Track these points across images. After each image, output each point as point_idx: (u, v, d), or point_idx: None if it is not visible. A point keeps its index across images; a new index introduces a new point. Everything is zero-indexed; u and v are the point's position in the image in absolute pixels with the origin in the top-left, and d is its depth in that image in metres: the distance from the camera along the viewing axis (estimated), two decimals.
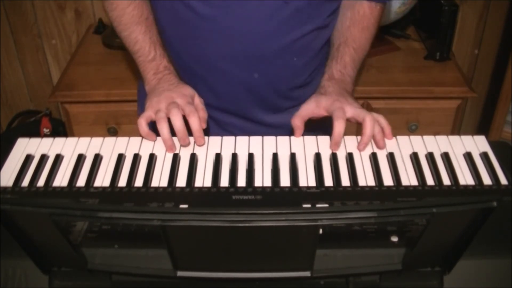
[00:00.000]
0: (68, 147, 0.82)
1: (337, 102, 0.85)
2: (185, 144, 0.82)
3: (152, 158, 0.79)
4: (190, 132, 0.82)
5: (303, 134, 0.85)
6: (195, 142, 0.82)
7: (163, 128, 0.80)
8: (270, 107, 1.02)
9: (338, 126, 0.80)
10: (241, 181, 0.75)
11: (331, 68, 0.95)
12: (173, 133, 0.82)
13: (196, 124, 0.81)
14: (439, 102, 1.52)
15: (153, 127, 0.83)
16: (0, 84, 1.99)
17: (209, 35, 0.93)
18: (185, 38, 0.96)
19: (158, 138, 0.84)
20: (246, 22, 0.90)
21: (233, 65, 0.95)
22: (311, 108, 0.87)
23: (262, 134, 0.85)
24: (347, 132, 0.82)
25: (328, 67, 0.96)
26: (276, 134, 0.85)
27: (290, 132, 0.88)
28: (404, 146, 0.82)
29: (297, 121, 0.87)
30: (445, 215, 0.57)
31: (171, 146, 0.81)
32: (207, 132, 0.85)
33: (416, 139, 0.83)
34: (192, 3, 0.90)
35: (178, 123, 0.81)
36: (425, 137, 0.83)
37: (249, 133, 0.86)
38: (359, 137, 0.82)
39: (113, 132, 1.56)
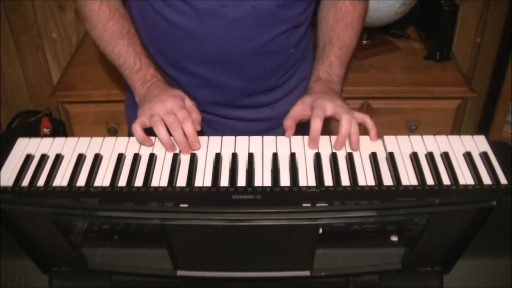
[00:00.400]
0: (68, 147, 0.82)
1: (319, 100, 0.86)
2: (188, 153, 0.82)
3: (152, 158, 0.79)
4: None
5: (303, 135, 0.85)
6: (190, 146, 0.82)
7: (161, 130, 0.81)
8: (245, 106, 1.03)
9: (314, 124, 0.82)
10: (241, 181, 0.75)
11: (317, 70, 0.96)
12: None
13: (190, 130, 0.81)
14: (439, 102, 1.52)
15: (147, 133, 0.84)
16: (0, 84, 1.99)
17: (180, 40, 0.94)
18: (158, 43, 0.98)
19: (157, 138, 0.84)
20: (217, 28, 0.91)
21: (205, 69, 0.96)
22: (298, 109, 0.88)
23: (242, 127, 0.85)
24: None
25: (315, 69, 0.97)
26: (257, 127, 0.85)
27: (274, 123, 0.88)
28: (404, 146, 0.82)
29: (288, 122, 0.87)
30: (445, 215, 0.57)
31: (172, 147, 0.81)
32: (201, 132, 0.85)
33: (416, 139, 0.83)
34: (163, 11, 0.91)
35: (178, 136, 0.81)
36: (425, 137, 0.83)
37: (230, 127, 0.87)
38: (361, 137, 0.83)
39: (113, 132, 1.56)
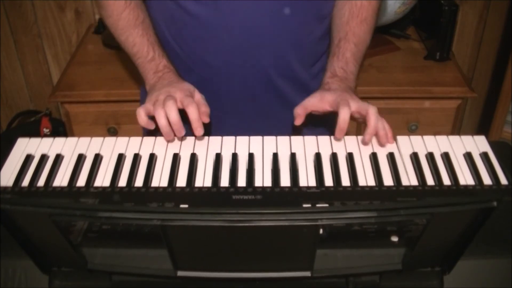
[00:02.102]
0: (68, 147, 0.82)
1: (341, 97, 0.85)
2: (180, 136, 0.81)
3: (152, 158, 0.79)
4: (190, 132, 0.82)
5: (305, 133, 0.85)
6: (193, 132, 0.82)
7: (160, 115, 0.80)
8: (264, 107, 1.02)
9: (344, 113, 0.80)
10: (241, 181, 0.75)
11: (333, 65, 0.95)
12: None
13: (194, 113, 0.81)
14: (439, 102, 1.52)
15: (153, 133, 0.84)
16: (0, 84, 1.99)
17: (200, 32, 0.94)
18: (178, 36, 0.97)
19: (158, 138, 0.84)
20: (236, 18, 0.91)
21: (224, 61, 0.96)
22: (315, 101, 0.88)
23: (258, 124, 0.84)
24: (347, 132, 0.82)
25: (330, 64, 0.96)
26: (272, 134, 0.84)
27: (289, 128, 0.88)
28: (404, 146, 0.82)
29: (299, 110, 0.87)
30: (445, 215, 0.57)
31: (168, 133, 0.81)
32: (208, 131, 0.85)
33: (416, 139, 0.83)
34: (182, 2, 0.91)
35: (172, 114, 0.80)
36: (425, 137, 0.83)
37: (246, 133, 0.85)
38: (359, 137, 0.82)
39: (113, 132, 1.56)
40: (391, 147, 0.81)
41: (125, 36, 0.96)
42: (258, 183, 0.75)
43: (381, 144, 0.81)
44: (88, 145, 0.82)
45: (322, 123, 0.90)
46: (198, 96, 0.88)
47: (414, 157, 0.79)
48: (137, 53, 0.95)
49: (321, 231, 0.61)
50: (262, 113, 1.04)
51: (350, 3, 0.97)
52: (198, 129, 0.81)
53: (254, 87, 1.00)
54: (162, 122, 0.81)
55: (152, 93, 0.88)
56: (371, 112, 0.81)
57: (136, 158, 0.79)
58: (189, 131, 0.83)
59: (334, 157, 0.79)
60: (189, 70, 0.99)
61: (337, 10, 1.00)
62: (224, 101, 1.01)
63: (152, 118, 0.84)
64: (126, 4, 0.94)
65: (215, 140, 0.83)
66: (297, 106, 0.88)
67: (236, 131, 0.85)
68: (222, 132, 0.86)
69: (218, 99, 0.98)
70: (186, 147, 0.82)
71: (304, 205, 0.70)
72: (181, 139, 0.83)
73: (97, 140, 0.83)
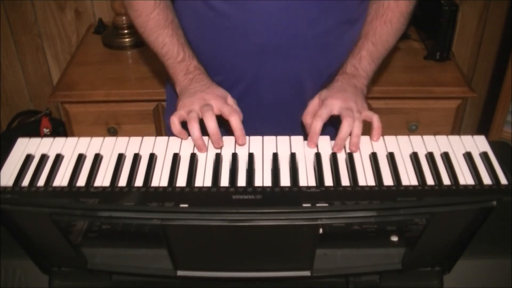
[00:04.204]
0: (68, 147, 0.82)
1: (329, 99, 0.85)
2: (218, 147, 0.81)
3: (152, 158, 0.79)
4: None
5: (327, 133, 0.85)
6: (236, 141, 0.82)
7: (194, 127, 0.80)
8: (292, 110, 1.00)
9: (314, 124, 0.82)
10: (241, 181, 0.75)
11: (346, 63, 0.94)
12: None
13: (237, 123, 0.81)
14: (439, 102, 1.52)
15: (183, 128, 0.83)
16: (0, 84, 1.99)
17: (229, 33, 0.92)
18: (205, 37, 0.96)
19: (158, 138, 0.84)
20: (264, 18, 0.89)
21: (249, 62, 0.94)
22: (316, 104, 0.88)
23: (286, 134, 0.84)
24: None
25: (345, 62, 0.95)
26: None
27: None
28: (404, 146, 0.82)
29: (308, 119, 0.87)
30: (445, 215, 0.57)
31: (202, 146, 0.81)
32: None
33: (416, 139, 0.83)
34: (212, 2, 0.89)
35: (212, 125, 0.80)
36: (425, 137, 0.83)
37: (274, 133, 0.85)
38: (362, 137, 0.82)
39: (113, 132, 1.56)
40: (391, 147, 0.81)
41: (155, 37, 0.94)
42: (258, 183, 0.75)
43: (351, 151, 0.81)
44: (88, 145, 0.82)
45: (328, 121, 0.89)
46: (231, 101, 0.87)
47: (414, 157, 0.79)
48: (167, 54, 0.94)
49: (320, 230, 0.61)
50: (290, 117, 1.01)
51: (378, 3, 0.96)
52: (241, 138, 0.81)
53: (282, 90, 0.99)
54: (196, 135, 0.80)
55: (185, 98, 0.86)
56: (344, 123, 0.81)
57: (136, 158, 0.79)
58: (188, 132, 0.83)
59: (334, 157, 0.79)
60: (216, 72, 0.98)
61: (367, 11, 0.99)
62: (252, 105, 0.99)
63: (183, 124, 0.83)
64: (155, 4, 0.93)
65: None
66: (303, 116, 0.87)
67: (263, 135, 0.84)
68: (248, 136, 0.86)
69: (245, 102, 0.97)
70: (186, 147, 0.82)
71: (304, 205, 0.70)
72: (181, 139, 0.84)
73: (97, 140, 0.83)
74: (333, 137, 0.83)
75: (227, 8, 0.90)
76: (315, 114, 0.83)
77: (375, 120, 0.83)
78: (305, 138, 0.84)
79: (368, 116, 0.84)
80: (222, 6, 0.90)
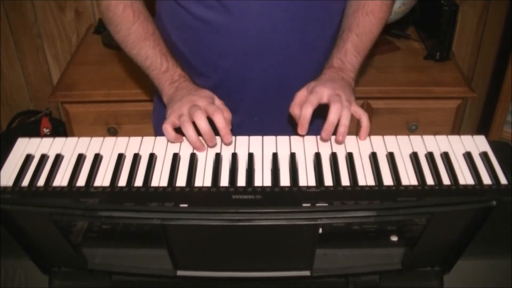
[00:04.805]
0: (68, 147, 0.82)
1: (318, 87, 0.85)
2: (212, 145, 0.81)
3: (152, 158, 0.79)
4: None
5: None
6: (222, 140, 0.82)
7: (189, 130, 0.80)
8: (278, 109, 1.01)
9: (304, 109, 0.82)
10: (241, 181, 0.75)
11: (332, 56, 0.94)
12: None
13: (221, 122, 0.81)
14: (439, 102, 1.52)
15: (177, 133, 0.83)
16: (0, 84, 1.99)
17: (210, 36, 0.93)
18: (190, 42, 0.97)
19: (157, 138, 0.84)
20: (247, 20, 0.90)
21: (236, 64, 0.95)
22: (303, 94, 0.87)
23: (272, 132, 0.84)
24: (347, 132, 0.82)
25: (331, 55, 0.95)
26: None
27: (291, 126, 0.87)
28: (404, 146, 0.82)
29: (296, 110, 0.86)
30: (445, 215, 0.57)
31: (200, 147, 0.81)
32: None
33: (416, 139, 0.83)
34: (186, 4, 0.90)
35: (203, 124, 0.80)
36: (425, 137, 0.83)
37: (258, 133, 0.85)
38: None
39: (113, 132, 1.56)
40: (391, 147, 0.81)
41: (137, 50, 0.94)
42: (258, 183, 0.75)
43: (337, 141, 0.81)
44: (88, 145, 0.82)
45: (317, 112, 0.89)
46: (218, 102, 0.87)
47: (414, 157, 0.79)
48: (151, 65, 0.94)
49: (320, 230, 0.61)
50: (277, 115, 1.02)
51: None
52: (227, 136, 0.81)
53: (268, 89, 0.99)
54: (193, 137, 0.80)
55: (173, 104, 0.87)
56: (333, 108, 0.80)
57: (136, 158, 0.79)
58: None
59: (333, 157, 0.79)
60: (202, 76, 0.99)
61: (347, 3, 0.99)
62: (239, 105, 1.00)
63: (177, 130, 0.83)
64: (135, 18, 0.93)
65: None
66: (291, 106, 0.87)
67: (251, 135, 0.85)
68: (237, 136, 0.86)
69: (232, 103, 0.98)
70: (186, 147, 0.82)
71: (304, 205, 0.70)
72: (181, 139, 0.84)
73: (97, 140, 0.83)
74: (320, 130, 0.83)
75: (209, 14, 0.91)
76: (307, 101, 0.83)
77: (364, 120, 0.83)
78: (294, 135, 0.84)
79: (357, 112, 0.84)
80: (204, 13, 0.91)
